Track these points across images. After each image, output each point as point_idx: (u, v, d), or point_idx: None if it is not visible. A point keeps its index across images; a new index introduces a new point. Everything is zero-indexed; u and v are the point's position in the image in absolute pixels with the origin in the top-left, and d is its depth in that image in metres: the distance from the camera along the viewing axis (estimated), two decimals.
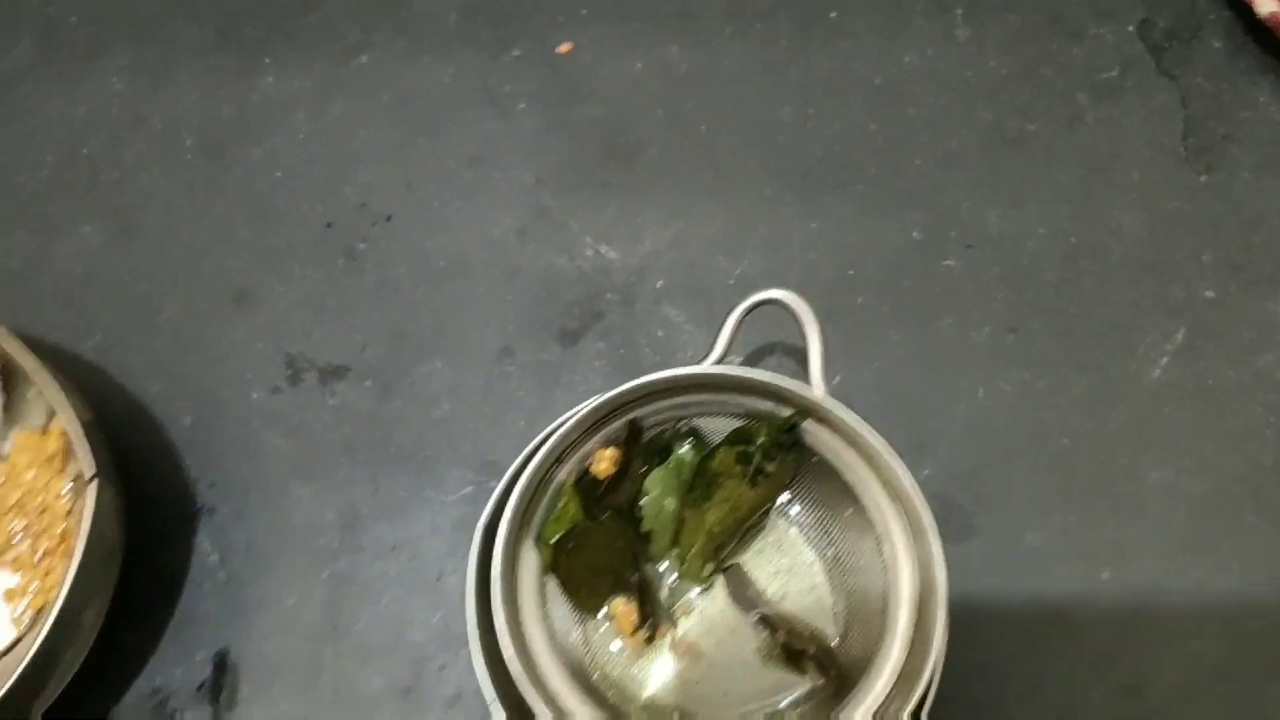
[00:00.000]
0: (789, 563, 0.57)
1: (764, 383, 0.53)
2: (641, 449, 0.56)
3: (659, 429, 0.57)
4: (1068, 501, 0.61)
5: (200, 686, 0.60)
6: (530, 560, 0.54)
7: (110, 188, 0.69)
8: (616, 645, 0.56)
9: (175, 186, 0.69)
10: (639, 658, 0.56)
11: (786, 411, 0.54)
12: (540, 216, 0.68)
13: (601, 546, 0.55)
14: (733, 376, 0.53)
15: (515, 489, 0.52)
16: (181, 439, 0.64)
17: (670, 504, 0.57)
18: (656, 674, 0.56)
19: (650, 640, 0.56)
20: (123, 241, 0.68)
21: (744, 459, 0.55)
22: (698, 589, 0.57)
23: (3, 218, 0.68)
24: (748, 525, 0.57)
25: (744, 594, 0.57)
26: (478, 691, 0.58)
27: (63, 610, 0.51)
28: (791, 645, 0.55)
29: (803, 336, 0.52)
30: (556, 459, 0.54)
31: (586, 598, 0.55)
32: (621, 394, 0.53)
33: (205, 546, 0.62)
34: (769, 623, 0.56)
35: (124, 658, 0.60)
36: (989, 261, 0.67)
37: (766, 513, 0.57)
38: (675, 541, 0.57)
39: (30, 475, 0.61)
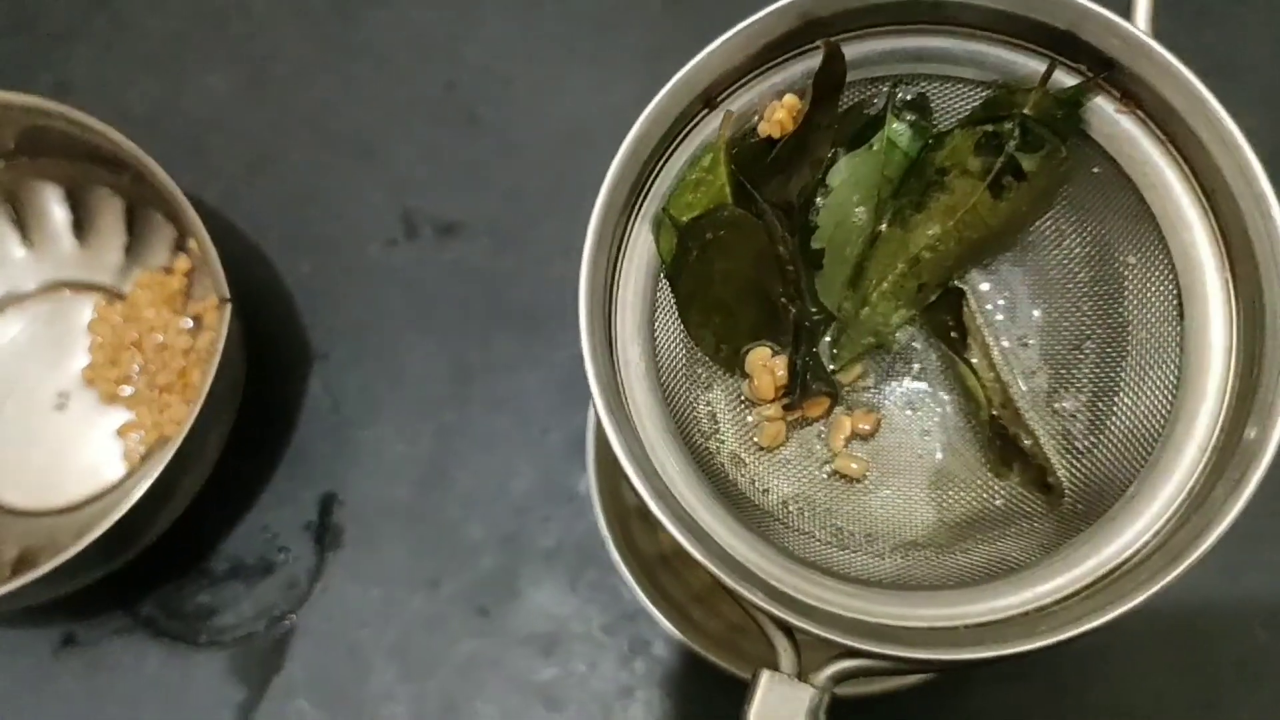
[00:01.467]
0: (1025, 330, 0.39)
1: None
2: (834, 114, 0.38)
3: (866, 92, 0.38)
4: None
5: (308, 525, 0.61)
6: (644, 250, 0.38)
7: (240, 40, 0.70)
8: (743, 413, 0.40)
9: (303, 42, 0.70)
10: (774, 438, 0.39)
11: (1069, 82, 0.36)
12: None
13: (749, 254, 0.38)
14: None
15: (635, 124, 0.36)
16: (299, 286, 0.66)
17: (861, 212, 0.38)
18: (797, 465, 0.40)
19: (792, 410, 0.39)
20: (250, 92, 0.69)
21: (990, 147, 0.37)
22: (880, 345, 0.40)
23: (133, 66, 0.70)
24: (976, 257, 0.39)
25: (952, 356, 0.39)
26: (577, 544, 0.60)
27: (194, 427, 0.52)
28: (1008, 434, 0.38)
29: None
30: (705, 102, 0.38)
31: (716, 332, 0.39)
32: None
33: (318, 390, 0.64)
34: (981, 403, 0.38)
35: (237, 493, 0.62)
36: None
37: (1010, 241, 0.39)
38: (860, 271, 0.39)
39: (151, 314, 0.63)
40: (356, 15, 0.70)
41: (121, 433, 0.62)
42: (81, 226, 0.64)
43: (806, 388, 0.39)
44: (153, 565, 0.59)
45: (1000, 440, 0.38)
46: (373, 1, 0.70)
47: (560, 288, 0.64)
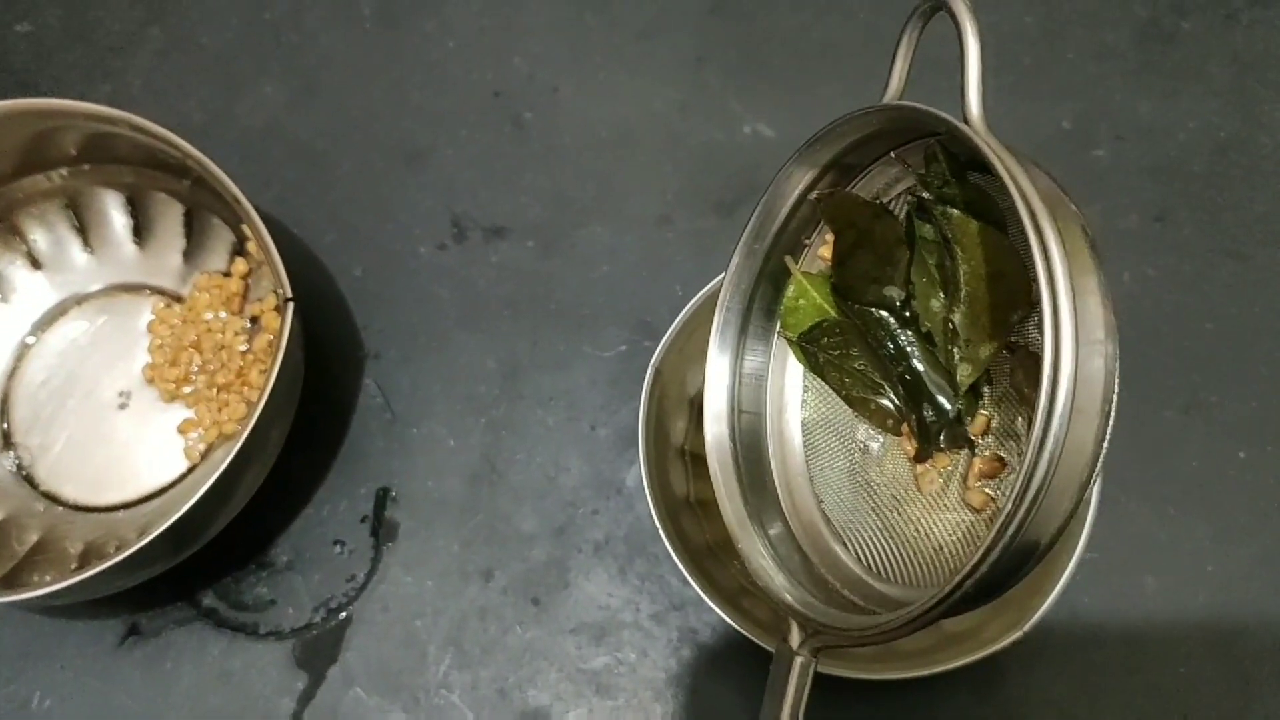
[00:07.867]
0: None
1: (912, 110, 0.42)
2: (855, 235, 0.47)
3: (897, 205, 0.47)
4: (1207, 382, 0.63)
5: (363, 519, 0.63)
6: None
7: (291, 50, 0.72)
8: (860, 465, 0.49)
9: (353, 52, 0.72)
10: (931, 483, 0.47)
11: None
12: (702, 93, 0.70)
13: (860, 346, 0.48)
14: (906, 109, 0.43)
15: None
16: (351, 288, 0.67)
17: (935, 303, 0.45)
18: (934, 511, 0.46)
19: (922, 460, 0.47)
20: (302, 101, 0.71)
21: (924, 221, 0.45)
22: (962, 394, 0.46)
23: (189, 75, 0.72)
24: (996, 313, 0.43)
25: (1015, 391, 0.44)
26: (625, 536, 0.62)
27: (256, 424, 0.54)
28: None
29: (961, 48, 0.41)
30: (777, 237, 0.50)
31: (878, 410, 0.48)
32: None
33: (372, 389, 0.65)
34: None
35: (295, 488, 0.64)
36: (1138, 152, 0.68)
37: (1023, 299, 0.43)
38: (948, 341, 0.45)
39: (209, 316, 0.65)
40: (405, 25, 0.72)
41: (182, 430, 0.63)
42: (141, 231, 0.66)
43: (930, 442, 0.47)
44: (213, 558, 0.61)
45: None
46: (421, 12, 0.72)
47: (605, 288, 0.66)
